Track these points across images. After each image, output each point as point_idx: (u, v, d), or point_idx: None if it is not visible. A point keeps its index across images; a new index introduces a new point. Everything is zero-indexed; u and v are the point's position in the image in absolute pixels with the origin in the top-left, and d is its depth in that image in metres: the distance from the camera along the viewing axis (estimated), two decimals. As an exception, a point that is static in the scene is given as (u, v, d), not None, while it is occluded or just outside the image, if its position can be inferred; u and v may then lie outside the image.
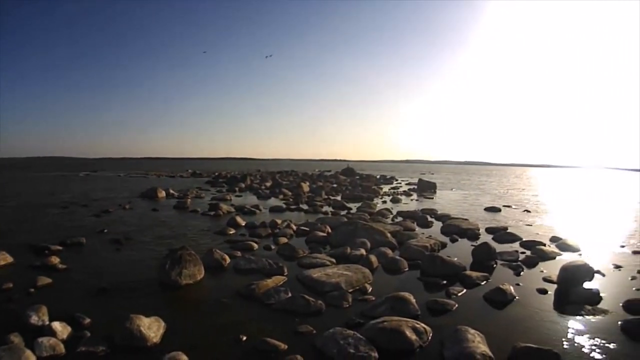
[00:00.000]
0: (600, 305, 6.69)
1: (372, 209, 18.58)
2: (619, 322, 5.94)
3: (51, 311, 5.56)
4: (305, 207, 19.97)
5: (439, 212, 17.98)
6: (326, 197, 25.01)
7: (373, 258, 9.13)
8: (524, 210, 20.65)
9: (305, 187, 29.75)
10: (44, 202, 20.13)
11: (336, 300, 6.64)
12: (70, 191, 26.54)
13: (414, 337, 5.14)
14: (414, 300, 6.35)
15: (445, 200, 25.33)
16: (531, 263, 9.49)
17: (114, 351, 4.81)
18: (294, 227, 13.23)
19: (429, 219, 16.27)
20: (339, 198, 24.44)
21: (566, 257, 10.00)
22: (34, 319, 5.31)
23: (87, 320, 5.52)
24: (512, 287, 7.26)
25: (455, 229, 13.48)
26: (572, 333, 5.63)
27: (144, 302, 6.52)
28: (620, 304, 6.69)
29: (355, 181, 40.60)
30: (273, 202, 22.19)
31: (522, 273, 8.71)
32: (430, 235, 12.36)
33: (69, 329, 5.16)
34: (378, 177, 50.45)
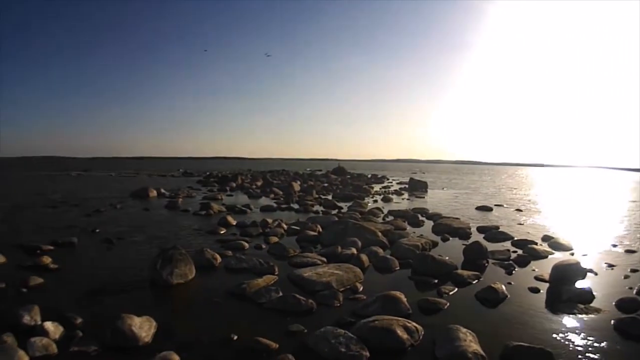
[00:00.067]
0: (593, 304, 6.66)
1: (363, 208, 18.54)
2: (612, 321, 5.92)
3: (43, 311, 5.48)
4: (296, 206, 19.89)
5: (430, 211, 17.97)
6: (317, 196, 24.96)
7: (364, 257, 9.09)
8: (516, 209, 20.68)
9: (296, 186, 29.68)
10: (35, 201, 19.89)
11: (327, 300, 6.59)
12: (62, 191, 26.26)
13: (405, 336, 5.10)
14: (405, 299, 6.31)
15: (437, 200, 25.36)
16: (523, 262, 9.46)
17: (106, 351, 4.75)
18: (285, 227, 13.17)
19: (420, 218, 16.25)
20: (330, 197, 24.35)
21: (558, 256, 10.00)
22: (26, 319, 5.26)
23: (79, 320, 5.47)
24: (503, 286, 7.24)
25: (446, 228, 13.46)
26: (564, 332, 5.60)
27: (135, 301, 6.47)
28: (613, 303, 6.68)
29: (346, 180, 40.66)
30: (264, 201, 22.13)
31: (513, 272, 8.69)
32: (421, 235, 12.35)
33: (61, 328, 5.12)
34: (369, 176, 50.60)
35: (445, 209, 19.69)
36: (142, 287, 7.18)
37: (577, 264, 8.04)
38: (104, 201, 20.14)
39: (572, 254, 10.37)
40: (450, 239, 12.28)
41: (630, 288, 7.58)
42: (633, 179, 76.32)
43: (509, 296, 6.99)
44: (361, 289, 7.30)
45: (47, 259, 8.54)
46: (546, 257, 10.04)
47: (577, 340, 5.33)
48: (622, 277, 8.39)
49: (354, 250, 9.76)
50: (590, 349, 5.08)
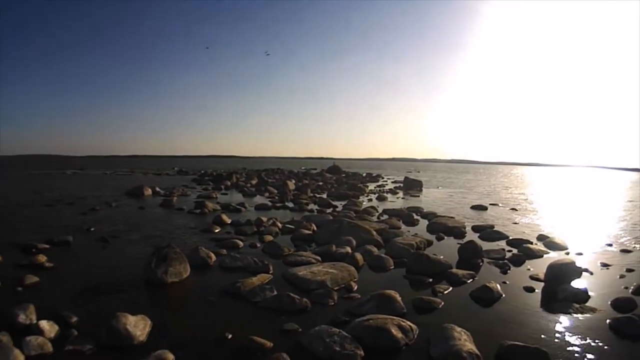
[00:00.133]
0: (588, 304, 6.66)
1: (357, 207, 18.51)
2: (608, 321, 5.91)
3: (39, 310, 5.49)
4: (290, 205, 19.88)
5: (425, 210, 18.00)
6: (312, 195, 24.94)
7: (358, 256, 9.06)
8: (511, 209, 20.69)
9: (291, 185, 29.65)
10: (31, 200, 19.80)
11: (322, 298, 6.58)
12: (57, 189, 26.17)
13: (399, 335, 5.08)
14: (399, 298, 6.29)
15: (432, 199, 25.37)
16: (518, 261, 9.45)
17: (101, 350, 4.78)
18: (280, 225, 13.14)
19: (415, 217, 16.26)
20: (324, 196, 24.32)
21: (553, 256, 9.99)
22: (21, 318, 5.27)
23: (74, 319, 5.48)
24: (498, 285, 7.23)
25: (441, 227, 13.45)
26: (560, 331, 5.59)
27: (130, 300, 6.49)
28: (609, 302, 6.67)
29: (341, 179, 40.61)
30: (259, 200, 22.09)
31: (508, 271, 8.68)
32: (416, 234, 12.34)
33: (56, 327, 5.14)
34: (364, 175, 50.65)
35: (440, 208, 19.69)
36: (137, 286, 7.17)
37: (573, 263, 8.03)
38: (100, 199, 20.13)
39: (568, 254, 10.37)
40: (445, 238, 12.27)
41: (626, 287, 7.58)
42: (630, 179, 76.63)
43: (503, 295, 6.98)
44: (356, 287, 7.28)
45: (42, 258, 8.55)
46: (541, 256, 10.03)
47: (573, 339, 5.32)
48: (618, 277, 8.38)
49: (349, 249, 9.73)
50: (585, 348, 5.07)
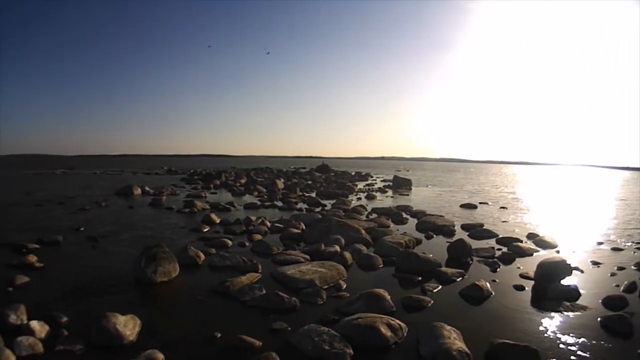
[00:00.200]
0: (579, 302, 6.67)
1: (346, 206, 18.49)
2: (599, 319, 5.90)
3: (29, 310, 5.51)
4: (279, 204, 19.83)
5: (414, 209, 18.00)
6: (301, 194, 24.87)
7: (347, 255, 9.03)
8: (501, 207, 20.76)
9: (280, 184, 29.57)
10: (21, 200, 19.58)
11: (311, 297, 6.55)
12: (47, 189, 25.97)
13: (389, 333, 5.05)
14: (388, 297, 6.27)
15: (421, 197, 25.41)
16: (508, 259, 9.45)
17: (91, 349, 4.76)
18: (268, 224, 13.07)
19: (404, 215, 16.24)
20: (313, 195, 24.28)
21: (543, 254, 9.99)
22: (12, 318, 5.27)
23: (65, 319, 5.47)
24: (488, 284, 7.21)
25: (430, 225, 13.44)
26: (550, 329, 5.57)
27: (119, 299, 6.48)
28: (600, 301, 6.69)
29: (330, 178, 40.64)
30: (247, 199, 22.03)
31: (498, 269, 8.67)
32: (405, 232, 12.34)
33: (46, 327, 5.14)
34: (353, 173, 50.70)
35: (429, 207, 19.71)
36: (126, 286, 7.15)
37: (563, 261, 8.02)
38: (89, 199, 20.03)
39: (558, 252, 10.36)
40: (434, 236, 12.26)
41: (617, 285, 7.59)
42: (622, 177, 77.44)
43: (493, 294, 6.97)
44: (344, 286, 7.23)
45: (32, 258, 8.54)
46: (531, 254, 10.03)
47: (564, 337, 5.30)
48: (609, 275, 8.39)
49: (338, 248, 9.69)
50: (576, 346, 5.05)
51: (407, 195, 26.89)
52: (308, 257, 9.03)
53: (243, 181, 33.27)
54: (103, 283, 7.21)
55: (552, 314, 6.17)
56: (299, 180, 35.17)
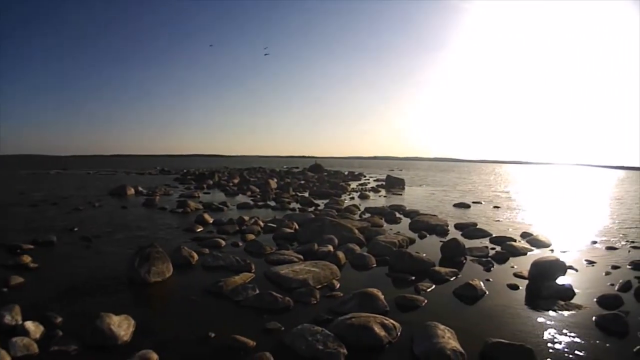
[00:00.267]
0: (573, 301, 6.67)
1: (339, 206, 18.49)
2: (594, 318, 5.89)
3: (24, 310, 5.53)
4: (272, 203, 19.80)
5: (407, 208, 18.02)
6: (294, 193, 24.84)
7: (341, 254, 9.00)
8: (494, 207, 20.79)
9: (273, 183, 29.56)
10: (15, 200, 19.45)
11: (304, 297, 6.52)
12: (41, 189, 25.80)
13: (382, 333, 5.03)
14: (382, 297, 6.24)
15: (414, 197, 25.42)
16: (501, 259, 9.45)
17: (86, 350, 4.76)
18: (262, 224, 13.03)
19: (397, 215, 16.21)
20: (306, 195, 24.32)
21: (537, 253, 9.99)
22: (7, 319, 5.26)
23: (59, 319, 5.48)
24: (482, 283, 7.21)
25: (423, 225, 13.43)
26: (545, 328, 5.56)
27: (113, 300, 6.48)
28: (595, 299, 6.69)
29: (323, 177, 40.65)
30: (241, 199, 21.98)
31: (492, 269, 8.66)
32: (398, 232, 12.33)
33: (41, 328, 5.14)
34: (346, 173, 50.74)
35: (422, 206, 19.73)
36: (120, 286, 7.14)
37: (557, 260, 8.01)
38: (83, 199, 19.95)
39: (552, 251, 10.37)
40: (428, 236, 12.26)
41: (612, 284, 7.60)
42: (617, 176, 77.82)
43: (487, 293, 6.96)
44: (338, 286, 7.22)
45: (27, 258, 8.53)
46: (525, 254, 10.02)
47: (558, 336, 5.29)
48: (603, 274, 8.41)
49: (331, 248, 9.67)
50: (571, 345, 5.04)
51: (400, 194, 26.91)
52: (301, 256, 9.00)
53: (236, 181, 33.17)
54: (97, 283, 7.19)
55: (547, 313, 6.16)
56: (292, 180, 35.16)
